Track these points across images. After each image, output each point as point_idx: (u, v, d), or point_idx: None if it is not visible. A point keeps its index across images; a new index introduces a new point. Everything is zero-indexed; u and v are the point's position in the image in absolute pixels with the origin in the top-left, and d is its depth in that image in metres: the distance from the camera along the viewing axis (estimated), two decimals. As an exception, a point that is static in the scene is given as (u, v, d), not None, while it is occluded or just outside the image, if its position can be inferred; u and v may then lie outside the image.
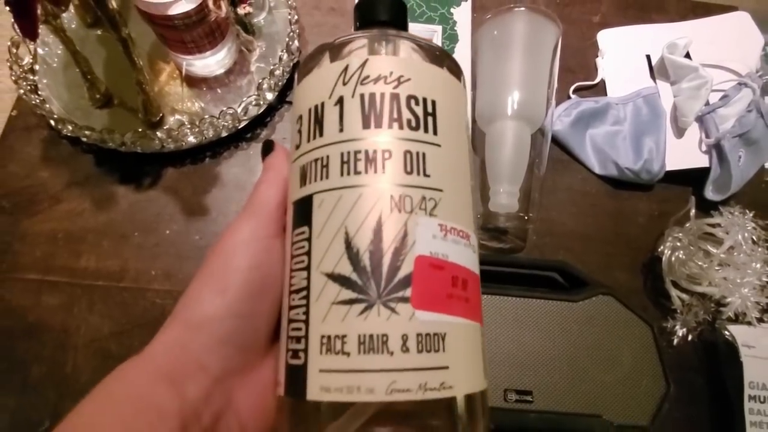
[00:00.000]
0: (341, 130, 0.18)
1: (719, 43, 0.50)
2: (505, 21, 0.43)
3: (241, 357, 0.19)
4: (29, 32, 0.29)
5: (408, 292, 0.16)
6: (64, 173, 0.42)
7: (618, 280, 0.43)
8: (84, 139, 0.40)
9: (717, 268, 0.41)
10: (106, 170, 0.42)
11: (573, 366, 0.35)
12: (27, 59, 0.43)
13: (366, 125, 0.18)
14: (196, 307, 0.18)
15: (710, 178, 0.45)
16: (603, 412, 0.34)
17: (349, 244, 0.17)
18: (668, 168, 0.45)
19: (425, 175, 0.18)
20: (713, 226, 0.43)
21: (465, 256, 0.18)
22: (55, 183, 0.42)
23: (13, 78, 0.41)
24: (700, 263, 0.41)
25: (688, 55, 0.49)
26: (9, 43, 0.42)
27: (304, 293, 0.17)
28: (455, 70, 0.21)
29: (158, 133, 0.39)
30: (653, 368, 0.36)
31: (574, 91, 0.49)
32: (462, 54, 0.36)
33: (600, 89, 0.50)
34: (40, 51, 0.45)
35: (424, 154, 0.18)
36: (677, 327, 0.41)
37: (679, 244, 0.41)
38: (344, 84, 0.19)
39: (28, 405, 0.35)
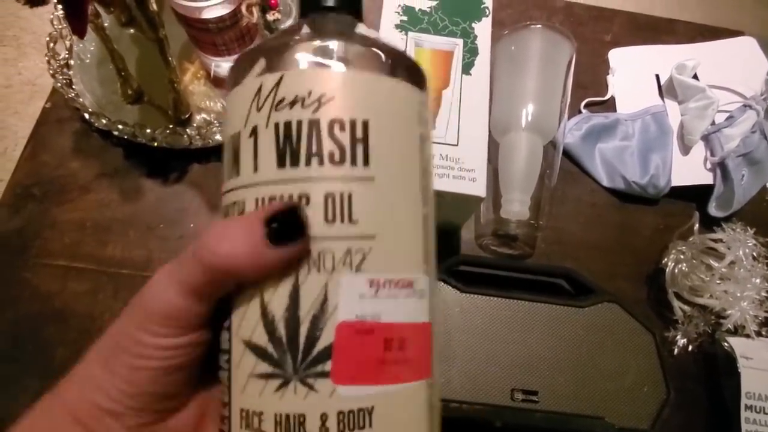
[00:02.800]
0: (255, 169, 0.15)
1: (726, 65, 0.52)
2: (523, 37, 0.45)
3: (156, 415, 0.17)
4: (79, 30, 0.30)
5: (328, 366, 0.14)
6: (94, 165, 0.44)
7: (622, 290, 0.45)
8: (116, 133, 0.42)
9: (718, 281, 0.42)
10: (134, 163, 0.44)
11: (578, 369, 0.36)
12: (63, 54, 0.45)
13: (281, 163, 0.15)
14: (112, 373, 0.16)
15: (714, 195, 0.47)
16: (606, 415, 0.35)
17: (264, 311, 0.15)
18: (674, 183, 0.47)
19: (351, 221, 0.15)
20: (715, 241, 0.44)
21: (405, 309, 0.16)
22: (85, 174, 0.43)
23: (51, 72, 0.43)
24: (702, 276, 0.42)
25: (695, 77, 0.51)
26: (47, 38, 0.44)
27: (227, 356, 0.16)
28: (409, 76, 0.17)
29: (188, 130, 0.41)
30: (655, 374, 0.37)
31: (585, 106, 0.51)
32: (481, 67, 0.38)
33: (610, 105, 0.52)
34: (74, 47, 0.47)
35: (350, 195, 0.15)
36: (678, 337, 0.42)
37: (682, 257, 0.43)
38: (258, 110, 0.15)
39: (51, 387, 0.37)
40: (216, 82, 0.47)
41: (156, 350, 0.16)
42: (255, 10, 0.43)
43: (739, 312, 0.41)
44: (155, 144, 0.42)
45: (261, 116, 0.15)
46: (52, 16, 0.44)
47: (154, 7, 0.37)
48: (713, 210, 0.47)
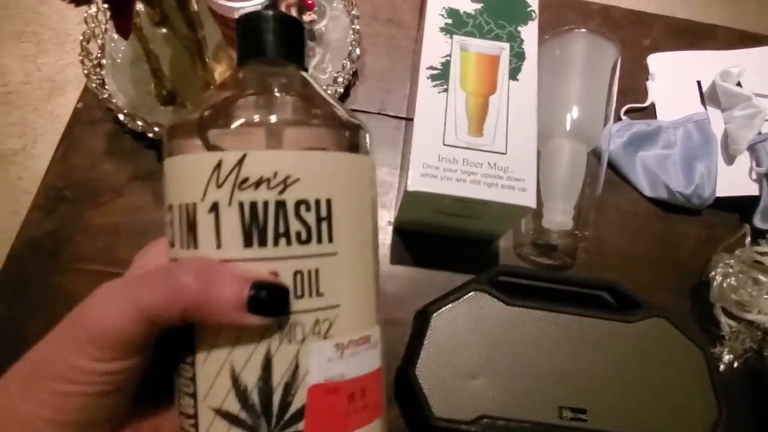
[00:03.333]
0: (219, 246, 0.15)
1: (770, 72, 0.50)
2: (567, 42, 0.43)
3: None
4: (124, 30, 0.30)
5: (301, 426, 0.15)
6: (126, 167, 0.43)
7: (664, 302, 0.43)
8: (150, 135, 0.41)
9: (766, 296, 0.41)
10: (167, 166, 0.43)
11: (626, 386, 0.35)
12: (95, 53, 0.44)
13: (248, 243, 0.15)
14: (30, 406, 0.15)
15: (759, 206, 0.45)
16: (656, 434, 0.34)
17: (236, 381, 0.15)
18: (718, 194, 0.46)
19: (318, 294, 0.16)
20: (762, 254, 0.43)
21: (364, 362, 0.17)
22: (118, 176, 0.42)
23: (85, 72, 0.42)
24: (749, 290, 0.41)
25: (739, 84, 0.49)
26: (80, 37, 0.43)
27: (192, 421, 0.16)
28: (359, 143, 0.18)
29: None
30: (705, 392, 0.36)
31: (625, 113, 0.50)
32: (529, 72, 0.37)
33: (650, 112, 0.51)
34: (106, 47, 0.46)
35: (317, 271, 0.16)
36: (724, 353, 0.41)
37: (730, 270, 0.41)
38: (218, 186, 0.15)
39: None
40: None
41: (91, 375, 0.15)
42: (293, 11, 0.42)
43: (789, 329, 0.39)
44: (189, 147, 0.41)
45: (222, 193, 0.15)
46: (85, 15, 0.44)
47: (195, 7, 0.36)
48: (758, 222, 0.45)
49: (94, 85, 0.41)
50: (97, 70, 0.44)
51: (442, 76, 0.37)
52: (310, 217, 0.16)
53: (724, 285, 0.41)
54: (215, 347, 0.15)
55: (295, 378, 0.15)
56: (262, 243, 0.15)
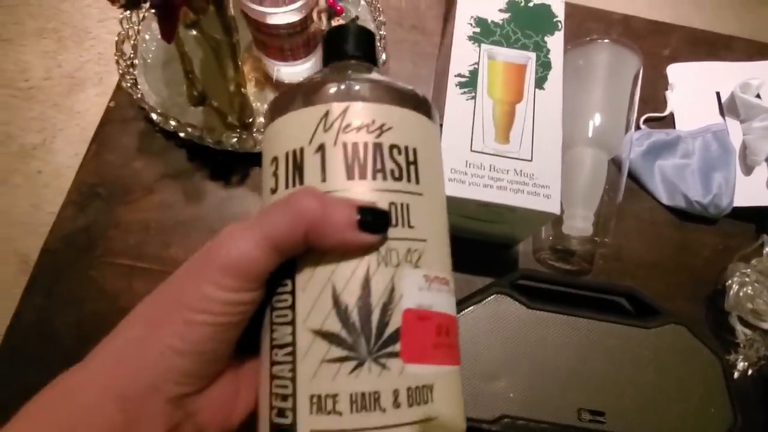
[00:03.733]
0: (324, 180, 0.17)
1: (790, 85, 0.51)
2: (590, 52, 0.44)
3: (200, 382, 0.17)
4: (169, 35, 0.31)
5: (397, 347, 0.16)
6: (157, 165, 0.44)
7: (680, 309, 0.44)
8: (182, 135, 0.42)
9: (782, 306, 0.41)
10: (197, 165, 0.44)
11: (643, 390, 0.36)
12: (129, 54, 0.46)
13: (350, 176, 0.17)
14: (159, 337, 0.16)
15: (777, 217, 0.46)
16: (672, 438, 0.35)
17: (337, 300, 0.16)
18: (735, 204, 0.46)
19: (410, 226, 0.17)
20: (779, 264, 0.44)
21: (447, 303, 0.18)
22: (149, 174, 0.44)
23: (120, 72, 0.43)
24: (765, 300, 0.41)
25: (758, 96, 0.50)
26: (116, 38, 0.44)
27: (289, 349, 0.16)
28: (432, 113, 0.21)
29: (255, 134, 0.41)
30: (721, 399, 0.36)
31: (644, 122, 0.51)
32: (555, 81, 0.38)
33: (668, 121, 0.51)
34: (138, 48, 0.47)
35: (408, 205, 0.18)
36: (739, 361, 0.42)
37: (747, 279, 0.42)
38: (325, 131, 0.18)
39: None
40: (278, 86, 0.47)
41: (220, 305, 0.16)
42: (323, 16, 0.43)
43: (805, 338, 0.40)
44: (219, 147, 0.43)
45: (328, 136, 0.18)
46: (121, 17, 0.45)
47: (232, 12, 0.37)
48: (776, 232, 0.46)
49: (128, 84, 0.42)
50: (130, 70, 0.45)
51: (470, 83, 0.38)
52: (401, 159, 0.18)
53: (740, 294, 0.42)
54: (317, 271, 0.17)
55: (391, 300, 0.16)
56: (362, 176, 0.17)
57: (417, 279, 0.17)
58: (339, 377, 0.16)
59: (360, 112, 0.18)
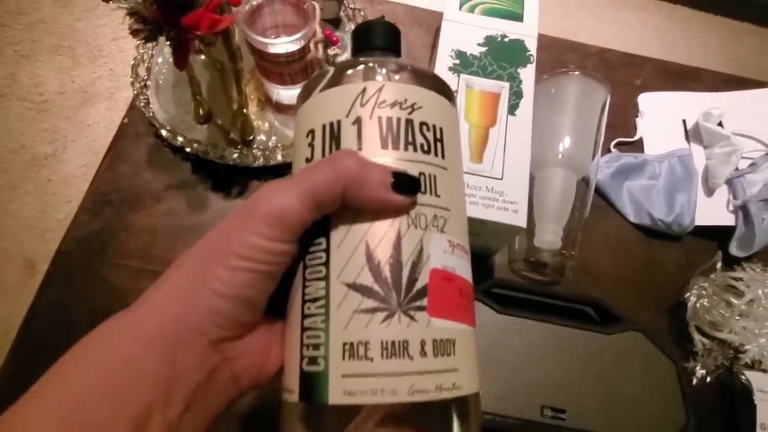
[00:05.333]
0: (360, 148, 0.19)
1: (750, 115, 0.55)
2: (562, 82, 0.49)
3: (238, 328, 0.18)
4: (181, 64, 0.35)
5: (424, 302, 0.18)
6: (165, 176, 0.48)
7: (645, 320, 0.47)
8: (188, 150, 0.46)
9: (737, 317, 0.45)
10: (201, 177, 0.48)
11: (603, 391, 0.39)
12: (143, 76, 0.50)
13: (384, 146, 0.19)
14: (204, 281, 0.17)
15: (735, 235, 0.50)
16: (628, 436, 0.38)
17: (370, 257, 0.17)
18: (697, 223, 0.50)
19: (436, 195, 0.19)
20: (736, 279, 0.47)
21: (466, 269, 0.20)
22: (157, 184, 0.48)
23: (135, 92, 0.47)
24: (722, 312, 0.45)
25: (720, 124, 0.54)
26: (132, 62, 0.49)
27: (321, 302, 0.18)
28: (453, 99, 0.23)
29: (254, 151, 0.46)
30: (675, 401, 0.40)
31: (615, 146, 0.55)
32: (525, 109, 0.42)
33: (638, 146, 0.56)
34: (151, 71, 0.52)
35: (435, 176, 0.20)
36: (697, 368, 0.45)
37: (704, 292, 0.45)
38: (362, 105, 0.20)
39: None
40: (277, 107, 0.52)
41: (262, 253, 0.17)
42: (320, 46, 0.47)
43: (756, 348, 0.43)
44: (221, 161, 0.47)
45: (365, 110, 0.20)
46: (138, 43, 0.49)
47: (237, 41, 0.42)
48: (734, 250, 0.50)
49: (141, 104, 0.47)
50: (144, 90, 0.50)
51: (448, 109, 0.42)
52: (430, 136, 0.20)
53: (698, 305, 0.45)
54: (352, 229, 0.18)
55: (420, 259, 0.18)
56: (395, 147, 0.19)
57: (443, 243, 0.19)
58: (371, 326, 0.17)
59: (393, 91, 0.20)
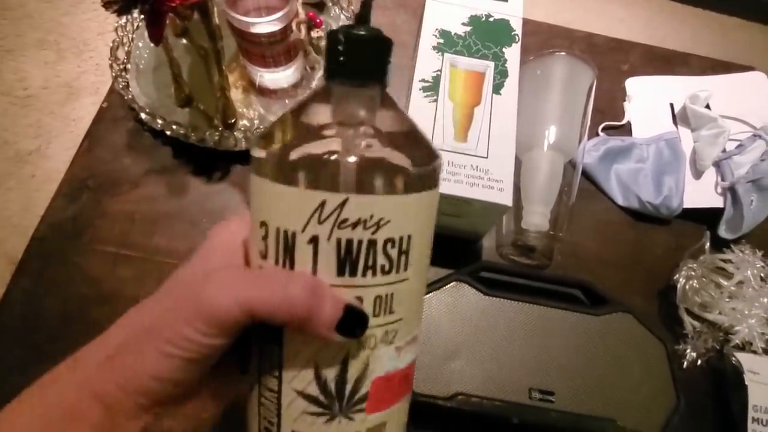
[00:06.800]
0: (314, 272, 0.18)
1: (737, 97, 0.55)
2: (548, 63, 0.48)
3: (175, 393, 0.19)
4: (156, 38, 0.34)
5: (364, 405, 0.19)
6: (144, 161, 0.47)
7: (634, 304, 0.46)
8: (168, 133, 0.45)
9: (727, 299, 0.44)
10: (181, 162, 0.47)
11: (592, 373, 0.39)
12: (122, 59, 0.49)
13: (340, 273, 0.17)
14: (137, 360, 0.18)
15: (724, 217, 0.49)
16: (617, 417, 0.37)
17: (318, 375, 0.18)
18: (686, 205, 0.50)
19: (390, 312, 0.19)
20: (725, 261, 0.47)
21: (411, 356, 0.21)
22: (136, 169, 0.47)
23: (113, 75, 0.46)
24: (711, 293, 0.44)
25: (708, 106, 0.54)
26: (111, 44, 0.48)
27: (275, 395, 0.19)
28: (436, 178, 0.20)
29: (235, 134, 0.45)
30: (665, 383, 0.39)
31: (603, 130, 0.54)
32: (510, 88, 0.42)
33: (626, 130, 0.55)
34: (132, 54, 0.51)
35: (392, 295, 0.19)
36: (688, 351, 0.44)
37: (693, 273, 0.45)
38: (320, 223, 0.17)
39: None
40: (260, 90, 0.51)
41: (194, 345, 0.17)
42: (303, 27, 0.46)
43: (746, 329, 0.43)
44: (203, 145, 0.46)
45: (323, 229, 0.17)
46: (116, 25, 0.48)
47: (217, 21, 0.41)
48: (723, 232, 0.49)
49: (120, 86, 0.46)
50: (123, 74, 0.48)
51: (432, 88, 0.41)
52: (394, 253, 0.18)
53: (687, 287, 0.45)
54: (303, 348, 0.18)
55: (364, 374, 0.19)
56: (353, 273, 0.18)
57: (390, 352, 0.19)
58: (315, 425, 0.19)
59: (357, 207, 0.17)
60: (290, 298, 0.17)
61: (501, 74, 0.42)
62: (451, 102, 0.41)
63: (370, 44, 0.19)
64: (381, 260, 0.18)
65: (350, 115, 0.19)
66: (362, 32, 0.19)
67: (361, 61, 0.19)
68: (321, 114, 0.19)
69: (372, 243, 0.17)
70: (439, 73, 0.42)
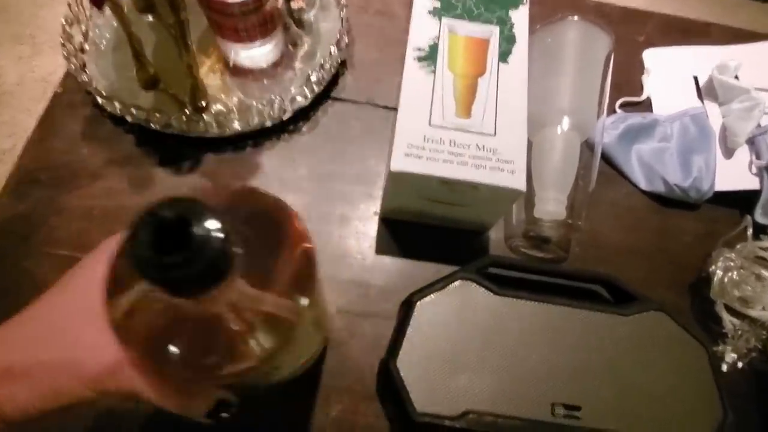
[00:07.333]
0: None
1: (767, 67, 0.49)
2: (559, 30, 0.42)
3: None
4: (97, 1, 0.28)
5: None
6: (104, 151, 0.41)
7: (662, 298, 0.41)
8: (129, 119, 0.39)
9: (770, 292, 0.39)
10: (146, 151, 0.42)
11: (622, 382, 0.33)
12: (78, 38, 0.43)
13: None
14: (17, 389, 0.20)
15: (760, 201, 0.44)
16: (655, 435, 0.32)
17: None
18: (717, 188, 0.44)
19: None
20: (765, 249, 0.41)
21: None
22: (96, 160, 0.41)
23: (65, 54, 0.41)
24: (752, 287, 0.39)
25: (737, 78, 0.48)
26: (63, 21, 0.42)
27: None
28: None
29: (205, 117, 0.39)
30: (708, 393, 0.33)
31: (620, 106, 0.49)
32: (519, 55, 0.36)
33: (645, 106, 0.50)
34: (90, 33, 0.45)
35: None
36: (727, 352, 0.39)
37: (731, 264, 0.39)
38: None
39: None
40: (235, 70, 0.45)
41: (73, 398, 0.20)
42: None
43: (795, 326, 0.37)
44: (169, 131, 0.40)
45: None
46: (70, 1, 0.43)
47: (177, -14, 0.35)
48: (760, 216, 0.44)
49: (73, 67, 0.40)
50: (80, 54, 0.43)
51: (429, 57, 0.35)
52: None
53: (725, 280, 0.39)
54: None
55: None
56: None
57: None
58: None
59: None
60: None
61: (507, 40, 0.37)
62: (451, 73, 0.35)
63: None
64: None
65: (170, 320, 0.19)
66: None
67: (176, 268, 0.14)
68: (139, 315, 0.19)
69: None
70: (436, 40, 0.36)
